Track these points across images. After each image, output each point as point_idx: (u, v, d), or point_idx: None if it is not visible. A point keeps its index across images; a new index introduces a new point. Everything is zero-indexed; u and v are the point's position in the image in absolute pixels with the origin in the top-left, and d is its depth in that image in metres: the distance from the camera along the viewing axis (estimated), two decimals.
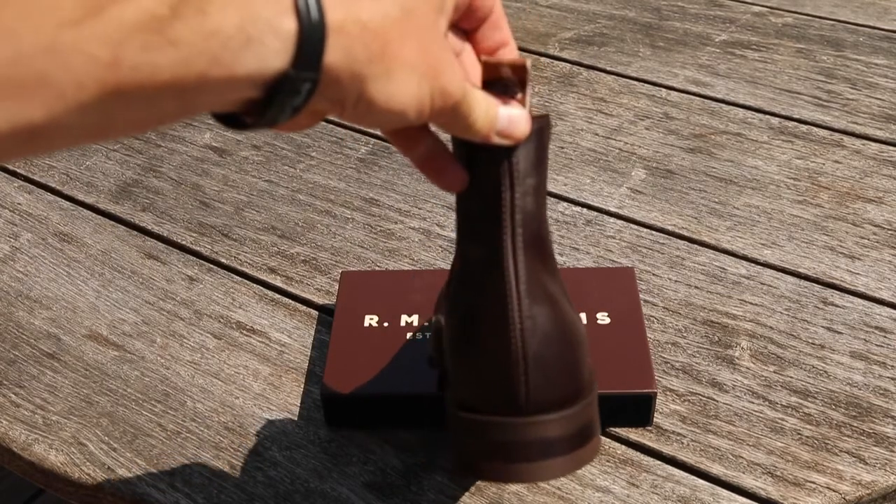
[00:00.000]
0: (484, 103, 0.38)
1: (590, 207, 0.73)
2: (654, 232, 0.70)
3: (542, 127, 0.41)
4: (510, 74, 0.40)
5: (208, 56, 0.29)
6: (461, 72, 0.37)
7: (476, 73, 0.41)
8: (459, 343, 0.42)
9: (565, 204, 0.73)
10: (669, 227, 0.70)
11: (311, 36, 0.31)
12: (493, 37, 0.42)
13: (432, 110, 0.36)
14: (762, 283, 0.65)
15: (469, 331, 0.42)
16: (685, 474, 0.53)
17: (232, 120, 0.34)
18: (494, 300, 0.41)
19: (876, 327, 0.61)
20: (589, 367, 0.44)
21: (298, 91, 0.32)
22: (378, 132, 0.83)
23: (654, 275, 0.66)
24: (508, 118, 0.39)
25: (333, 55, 0.32)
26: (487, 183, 0.41)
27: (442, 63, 0.36)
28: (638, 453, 0.54)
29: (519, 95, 0.40)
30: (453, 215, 0.72)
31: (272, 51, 0.30)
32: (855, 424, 0.55)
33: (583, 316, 0.58)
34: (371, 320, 0.59)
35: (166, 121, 0.31)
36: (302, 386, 0.59)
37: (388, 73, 0.34)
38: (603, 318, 0.58)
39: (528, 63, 0.40)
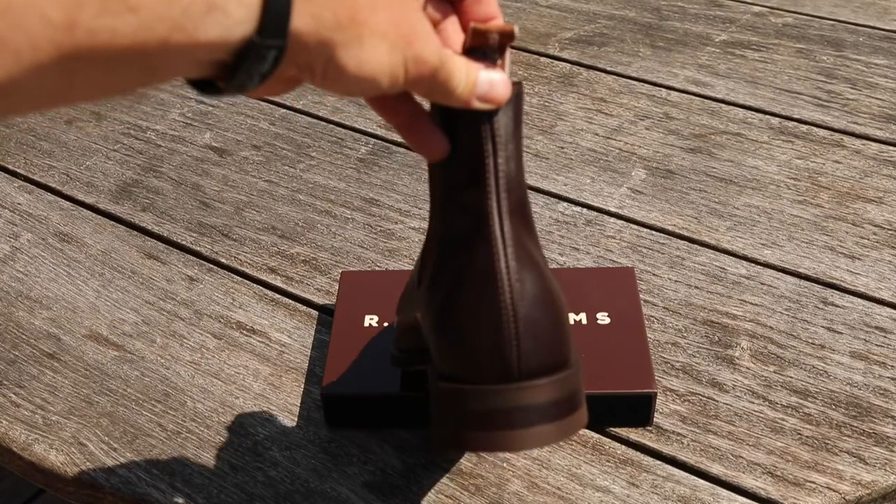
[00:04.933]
0: (464, 69, 0.38)
1: (590, 207, 0.73)
2: (654, 232, 0.70)
3: (518, 93, 0.41)
4: (496, 41, 0.40)
5: (169, 23, 0.29)
6: (437, 40, 0.37)
7: (459, 42, 0.41)
8: (445, 315, 0.42)
9: (565, 204, 0.73)
10: (669, 227, 0.70)
11: (277, 2, 0.30)
12: (479, 10, 0.41)
13: (407, 78, 0.36)
14: (762, 283, 0.65)
15: (455, 300, 0.42)
16: (685, 474, 0.53)
17: (205, 85, 0.34)
18: (482, 265, 0.41)
19: (876, 327, 0.61)
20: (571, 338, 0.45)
21: (265, 58, 0.31)
22: (377, 131, 0.83)
23: (654, 275, 0.66)
24: (489, 82, 0.39)
25: (300, 21, 0.31)
26: (471, 149, 0.41)
27: (415, 31, 0.35)
28: (638, 453, 0.54)
29: (499, 61, 0.40)
30: None
31: (236, 18, 0.30)
32: (855, 424, 0.55)
33: (583, 316, 0.58)
34: (371, 320, 0.59)
35: (132, 86, 0.31)
36: (302, 386, 0.59)
37: (358, 39, 0.33)
38: (603, 318, 0.58)
39: (517, 29, 0.40)
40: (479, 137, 0.40)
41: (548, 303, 0.42)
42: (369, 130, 0.83)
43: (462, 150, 0.41)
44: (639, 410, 0.55)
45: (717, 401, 0.57)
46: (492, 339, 0.41)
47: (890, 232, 0.69)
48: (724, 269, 0.66)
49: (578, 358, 0.45)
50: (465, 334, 0.42)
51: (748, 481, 0.52)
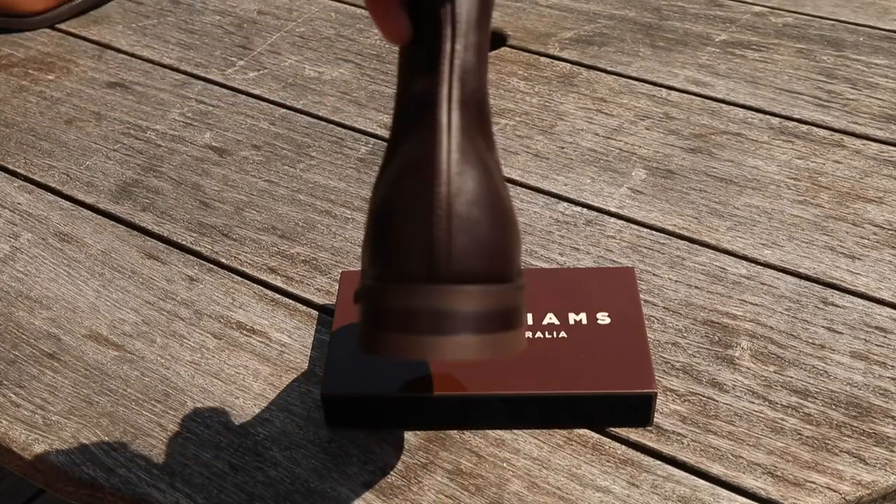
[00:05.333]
0: None
1: (590, 207, 0.73)
2: (654, 232, 0.70)
3: None
4: None
5: None
6: None
7: None
8: (380, 208, 0.39)
9: (565, 204, 0.73)
10: (670, 227, 0.70)
11: None
12: None
13: None
14: (762, 283, 0.65)
15: (392, 192, 0.39)
16: (685, 474, 0.53)
17: None
18: (422, 154, 0.38)
19: (876, 327, 0.61)
20: (520, 260, 0.41)
21: None
22: (377, 131, 0.83)
23: (654, 275, 0.66)
24: None
25: None
26: (429, 33, 0.39)
27: None
28: (638, 453, 0.54)
29: None
30: None
31: None
32: (855, 424, 0.55)
33: (583, 316, 0.58)
34: None
35: None
36: (302, 386, 0.59)
37: None
38: (603, 318, 0.58)
39: None
40: (439, 21, 0.39)
41: (492, 207, 0.39)
42: (369, 130, 0.83)
43: (422, 35, 0.39)
44: (639, 410, 0.55)
45: (717, 401, 0.57)
46: (422, 232, 0.38)
47: (890, 232, 0.69)
48: (724, 269, 0.66)
49: (523, 279, 0.41)
50: (396, 227, 0.38)
51: (748, 481, 0.52)
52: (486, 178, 0.39)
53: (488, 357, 0.39)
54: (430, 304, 0.38)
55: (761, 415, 0.56)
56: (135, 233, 0.73)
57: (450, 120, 0.38)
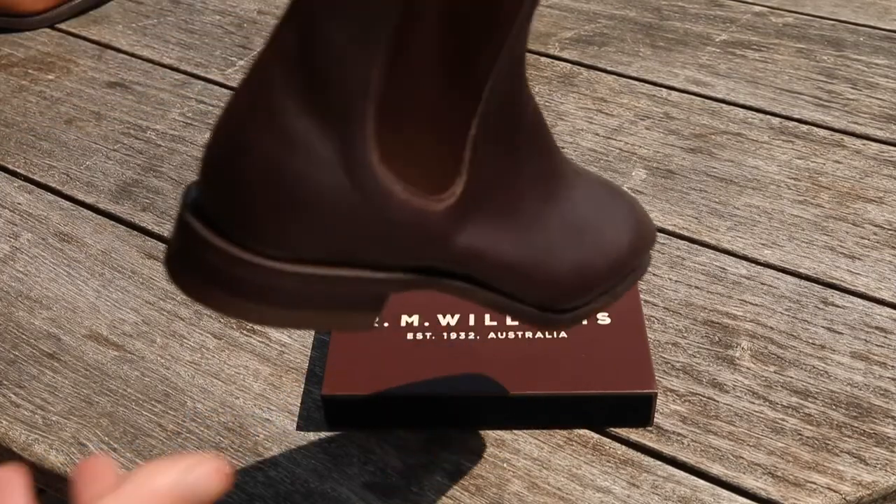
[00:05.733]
0: None
1: None
2: None
3: None
4: None
5: None
6: None
7: None
8: None
9: None
10: (670, 227, 0.70)
11: None
12: None
13: None
14: (762, 283, 0.65)
15: None
16: (686, 475, 0.53)
17: None
18: (237, 88, 0.34)
19: (876, 327, 0.61)
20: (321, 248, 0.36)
21: None
22: None
23: (654, 275, 0.66)
24: None
25: None
26: None
27: None
28: (638, 453, 0.54)
29: None
30: None
31: None
32: (855, 425, 0.55)
33: None
34: None
35: None
36: (302, 386, 0.59)
37: None
38: (603, 318, 0.58)
39: None
40: None
41: (261, 176, 0.34)
42: None
43: None
44: (639, 410, 0.55)
45: (718, 401, 0.57)
46: (203, 165, 0.36)
47: (890, 232, 0.69)
48: (724, 269, 0.66)
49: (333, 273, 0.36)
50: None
51: (749, 482, 0.52)
52: (278, 149, 0.33)
53: (206, 306, 0.36)
54: (180, 237, 0.35)
55: (761, 415, 0.56)
56: (135, 233, 0.73)
57: (257, 66, 0.33)
